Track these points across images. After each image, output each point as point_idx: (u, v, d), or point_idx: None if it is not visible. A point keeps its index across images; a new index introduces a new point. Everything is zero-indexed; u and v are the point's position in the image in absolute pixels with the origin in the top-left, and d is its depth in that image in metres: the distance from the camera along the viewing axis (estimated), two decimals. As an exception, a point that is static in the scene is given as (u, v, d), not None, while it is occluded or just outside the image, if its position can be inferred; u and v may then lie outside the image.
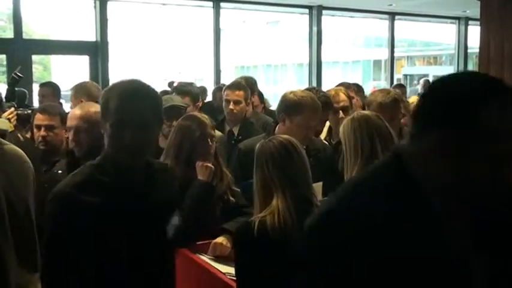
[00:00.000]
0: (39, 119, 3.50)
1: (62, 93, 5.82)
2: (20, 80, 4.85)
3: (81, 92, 4.47)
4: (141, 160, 2.05)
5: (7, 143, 2.44)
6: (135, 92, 1.99)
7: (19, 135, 3.36)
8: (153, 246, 2.04)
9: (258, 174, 2.35)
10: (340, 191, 1.36)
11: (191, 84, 5.51)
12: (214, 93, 6.65)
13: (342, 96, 4.06)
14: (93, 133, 2.61)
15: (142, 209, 2.00)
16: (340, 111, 3.94)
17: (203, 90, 7.27)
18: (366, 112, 2.98)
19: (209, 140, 3.06)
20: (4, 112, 3.68)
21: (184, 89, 4.84)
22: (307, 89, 3.65)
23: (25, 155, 2.44)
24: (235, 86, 4.62)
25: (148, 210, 2.03)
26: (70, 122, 2.89)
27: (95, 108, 2.68)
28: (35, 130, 3.56)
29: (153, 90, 2.05)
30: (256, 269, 2.20)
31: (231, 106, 4.46)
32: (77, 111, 2.87)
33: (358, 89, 5.31)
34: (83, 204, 1.91)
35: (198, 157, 3.02)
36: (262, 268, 2.19)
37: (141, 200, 2.02)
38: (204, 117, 3.20)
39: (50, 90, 5.62)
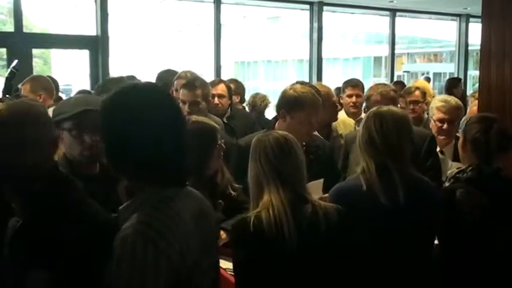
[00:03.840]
0: None
1: (61, 87, 5.82)
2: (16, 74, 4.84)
3: (38, 87, 4.44)
4: None
5: None
6: None
7: None
8: None
9: (251, 167, 2.35)
10: None
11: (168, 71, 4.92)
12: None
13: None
14: None
15: None
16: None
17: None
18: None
19: (221, 144, 3.03)
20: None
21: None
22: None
23: None
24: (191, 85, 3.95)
25: None
26: None
27: None
28: None
29: None
30: (253, 264, 2.19)
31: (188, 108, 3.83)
32: None
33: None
34: None
35: (210, 164, 2.98)
36: (259, 263, 2.18)
37: None
38: (213, 120, 3.13)
39: None
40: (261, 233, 2.16)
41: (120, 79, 3.93)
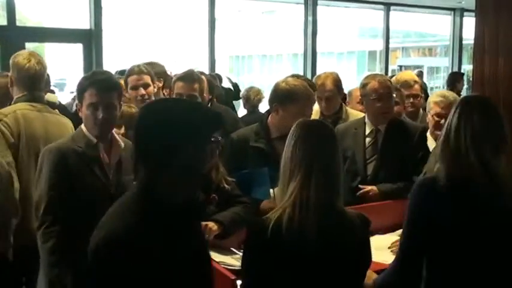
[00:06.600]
0: None
1: (55, 81, 5.80)
2: None
3: None
4: None
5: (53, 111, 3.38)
6: None
7: None
8: None
9: (286, 149, 2.13)
10: None
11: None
12: None
13: None
14: None
15: None
16: None
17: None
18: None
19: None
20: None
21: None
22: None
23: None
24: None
25: None
26: None
27: None
28: None
29: None
30: (266, 270, 2.03)
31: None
32: None
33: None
34: None
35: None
36: (272, 269, 2.02)
37: None
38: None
39: None
40: (279, 240, 1.98)
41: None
